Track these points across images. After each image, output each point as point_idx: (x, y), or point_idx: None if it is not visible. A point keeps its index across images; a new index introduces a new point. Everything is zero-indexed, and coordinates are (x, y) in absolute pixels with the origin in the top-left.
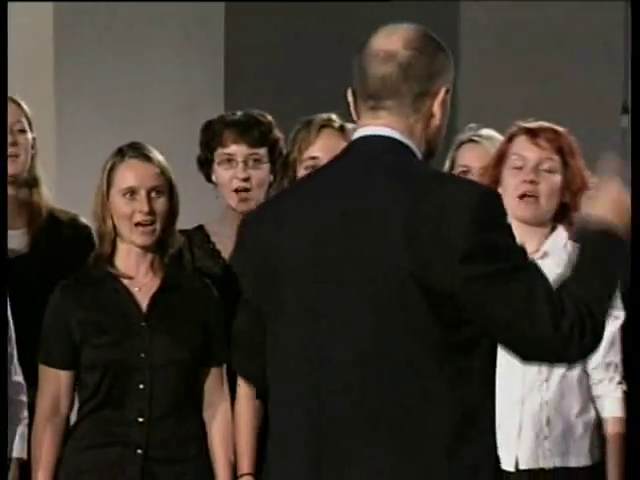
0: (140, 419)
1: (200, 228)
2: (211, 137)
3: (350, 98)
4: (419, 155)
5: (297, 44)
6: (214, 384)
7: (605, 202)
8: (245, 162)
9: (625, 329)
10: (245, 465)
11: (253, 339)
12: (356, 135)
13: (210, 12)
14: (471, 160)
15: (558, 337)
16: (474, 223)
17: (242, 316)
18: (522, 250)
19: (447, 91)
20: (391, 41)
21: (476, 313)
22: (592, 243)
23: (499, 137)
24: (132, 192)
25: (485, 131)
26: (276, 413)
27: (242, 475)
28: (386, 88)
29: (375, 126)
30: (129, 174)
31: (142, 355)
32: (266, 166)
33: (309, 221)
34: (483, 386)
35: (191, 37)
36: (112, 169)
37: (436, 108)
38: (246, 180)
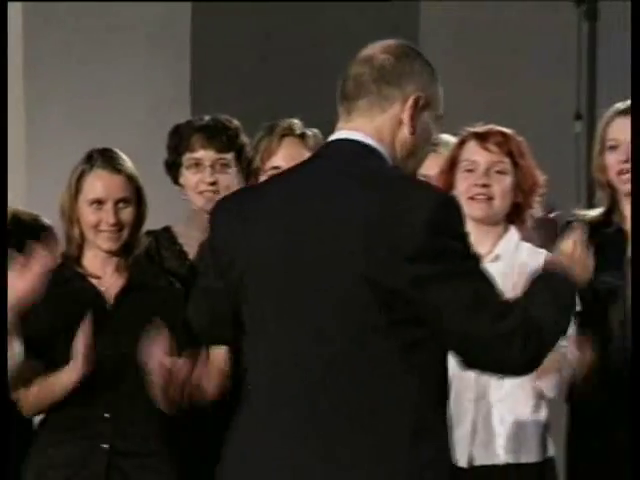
0: (106, 415)
1: (167, 230)
2: (179, 141)
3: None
4: (388, 159)
5: (266, 45)
6: None
7: (568, 259)
8: (212, 166)
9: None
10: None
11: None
12: (330, 138)
13: (176, 13)
14: (429, 168)
15: (498, 339)
16: (428, 226)
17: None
18: (475, 257)
19: (418, 99)
20: (374, 47)
21: (424, 313)
22: (554, 278)
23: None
24: (99, 202)
25: (443, 137)
26: (247, 408)
27: None
28: (357, 87)
29: (346, 130)
30: (97, 185)
31: (108, 352)
32: (233, 170)
33: (274, 222)
34: (437, 384)
35: (157, 39)
36: (81, 177)
37: (405, 115)
38: (213, 184)
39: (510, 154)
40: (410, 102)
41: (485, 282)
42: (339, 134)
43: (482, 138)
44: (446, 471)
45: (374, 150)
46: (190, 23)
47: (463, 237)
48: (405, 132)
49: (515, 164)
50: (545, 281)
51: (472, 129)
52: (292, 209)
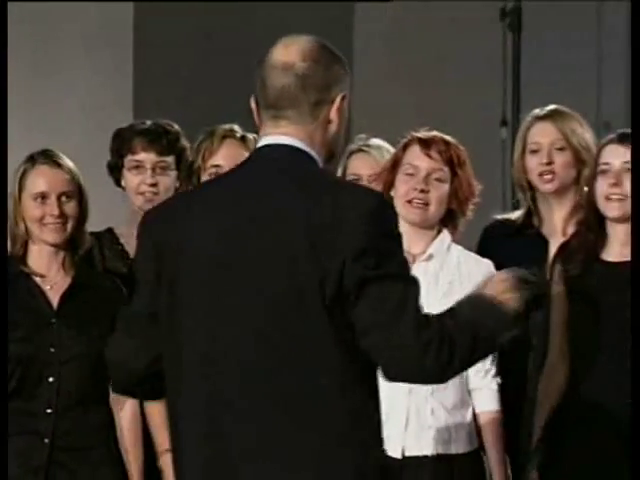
0: (48, 410)
1: (109, 231)
2: (121, 144)
3: (253, 106)
4: (319, 162)
5: (208, 45)
6: None
7: (498, 292)
8: (153, 169)
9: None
10: (164, 440)
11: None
12: (259, 144)
13: (119, 13)
14: (361, 168)
15: (417, 346)
16: (369, 227)
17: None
18: (405, 261)
19: (343, 97)
20: (289, 53)
21: (352, 312)
22: (484, 302)
23: (387, 146)
24: (43, 197)
25: (374, 141)
26: (175, 416)
27: (163, 451)
28: (285, 98)
29: (276, 135)
30: (40, 180)
31: (52, 350)
32: (173, 173)
33: (213, 224)
34: (372, 381)
35: (100, 41)
36: (23, 175)
37: (333, 115)
38: (154, 185)
39: (450, 163)
40: (337, 102)
41: (412, 287)
42: (269, 139)
43: (425, 144)
44: (382, 463)
45: (307, 154)
46: (132, 25)
47: (398, 237)
48: (334, 128)
49: (454, 173)
50: (473, 302)
51: (417, 134)
52: (230, 212)
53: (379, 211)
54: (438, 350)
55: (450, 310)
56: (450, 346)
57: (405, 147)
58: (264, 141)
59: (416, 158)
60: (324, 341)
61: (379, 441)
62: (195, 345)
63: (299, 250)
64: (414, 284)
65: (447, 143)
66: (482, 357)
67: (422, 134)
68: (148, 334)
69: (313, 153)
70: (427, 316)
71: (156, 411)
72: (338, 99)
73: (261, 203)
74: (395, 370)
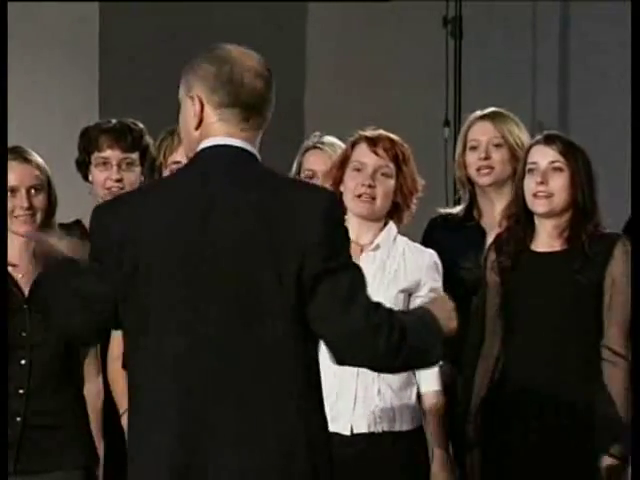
0: (20, 390)
1: (77, 222)
2: (88, 142)
3: (197, 107)
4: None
5: (173, 45)
6: (88, 359)
7: (438, 307)
8: (119, 165)
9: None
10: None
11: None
12: (209, 143)
13: (84, 13)
14: (315, 164)
15: (368, 328)
16: (323, 224)
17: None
18: (349, 252)
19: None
20: (256, 61)
21: (308, 304)
22: (425, 315)
23: (340, 143)
24: (12, 190)
25: (328, 138)
26: (143, 403)
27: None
28: (258, 102)
29: (240, 140)
30: (10, 175)
31: (23, 334)
32: (137, 169)
33: (166, 220)
34: (315, 365)
35: (65, 39)
36: None
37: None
38: (119, 181)
39: (395, 159)
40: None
41: (359, 276)
42: (216, 139)
43: (372, 142)
44: (328, 439)
45: (257, 159)
46: (98, 26)
47: (346, 232)
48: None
49: (399, 169)
50: (417, 311)
51: (364, 133)
52: (184, 209)
53: (332, 208)
54: (389, 334)
55: (400, 311)
56: (401, 331)
57: (353, 145)
58: (222, 141)
59: (363, 155)
60: (279, 330)
61: (325, 420)
62: (163, 334)
63: (253, 248)
64: (361, 273)
65: (392, 141)
66: (425, 358)
67: (369, 133)
68: (96, 309)
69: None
70: (377, 303)
71: (119, 377)
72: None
73: (215, 203)
74: (349, 354)
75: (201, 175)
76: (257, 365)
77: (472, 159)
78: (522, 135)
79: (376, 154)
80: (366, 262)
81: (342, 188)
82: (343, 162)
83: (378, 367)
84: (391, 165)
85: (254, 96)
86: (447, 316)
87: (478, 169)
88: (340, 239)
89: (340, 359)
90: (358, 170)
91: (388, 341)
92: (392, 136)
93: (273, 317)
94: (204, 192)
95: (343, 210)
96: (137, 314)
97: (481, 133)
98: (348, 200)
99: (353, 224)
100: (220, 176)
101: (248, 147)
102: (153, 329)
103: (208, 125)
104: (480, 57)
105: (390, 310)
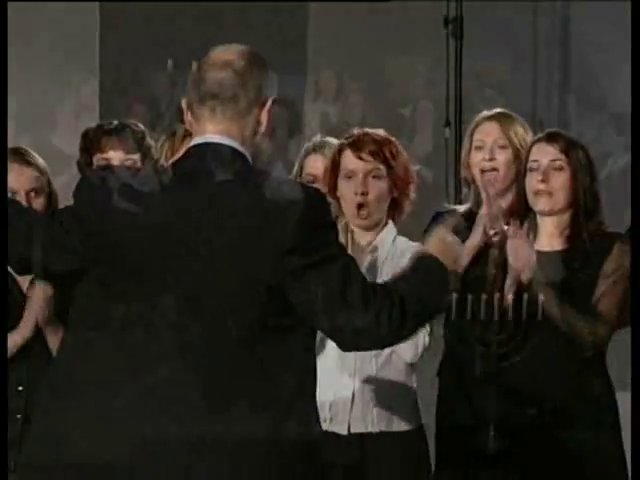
0: (20, 388)
1: None
2: (90, 143)
3: (184, 107)
4: (250, 159)
5: (173, 45)
6: None
7: (437, 245)
8: None
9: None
10: None
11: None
12: (196, 141)
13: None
14: (316, 168)
15: (368, 317)
16: (299, 222)
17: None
18: (341, 245)
19: (274, 101)
20: (227, 53)
21: (298, 300)
22: (425, 261)
23: None
24: (12, 193)
25: (328, 140)
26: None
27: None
28: (224, 91)
29: (212, 133)
30: (10, 177)
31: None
32: None
33: (150, 214)
34: (302, 367)
35: (65, 39)
36: None
37: (263, 116)
38: None
39: (384, 160)
40: (268, 105)
41: (351, 265)
42: (209, 137)
43: (356, 148)
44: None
45: (241, 154)
46: (98, 25)
47: (332, 226)
48: (262, 129)
49: (389, 167)
50: (415, 262)
51: (346, 139)
52: (168, 206)
53: (308, 204)
54: (390, 314)
55: (398, 274)
56: (401, 306)
57: (339, 152)
58: (201, 139)
59: (350, 163)
60: (258, 329)
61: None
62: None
63: (232, 245)
64: (350, 261)
65: (377, 142)
66: (432, 313)
67: (352, 137)
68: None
69: (247, 153)
70: (373, 285)
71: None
72: (269, 102)
73: (197, 201)
74: (354, 344)
75: (185, 174)
76: (243, 363)
77: (477, 158)
78: (527, 137)
79: (362, 159)
80: (365, 264)
81: (339, 194)
82: (334, 169)
83: (386, 346)
84: (380, 166)
85: (218, 85)
86: (448, 253)
87: (482, 169)
88: (325, 233)
89: (345, 349)
90: (349, 177)
91: (390, 322)
92: (377, 134)
93: (264, 315)
94: (184, 195)
95: (328, 204)
96: (125, 306)
97: (487, 134)
98: (346, 210)
99: (352, 227)
100: (198, 177)
101: (224, 141)
102: (142, 324)
103: (191, 127)
104: (480, 57)
105: (386, 288)
